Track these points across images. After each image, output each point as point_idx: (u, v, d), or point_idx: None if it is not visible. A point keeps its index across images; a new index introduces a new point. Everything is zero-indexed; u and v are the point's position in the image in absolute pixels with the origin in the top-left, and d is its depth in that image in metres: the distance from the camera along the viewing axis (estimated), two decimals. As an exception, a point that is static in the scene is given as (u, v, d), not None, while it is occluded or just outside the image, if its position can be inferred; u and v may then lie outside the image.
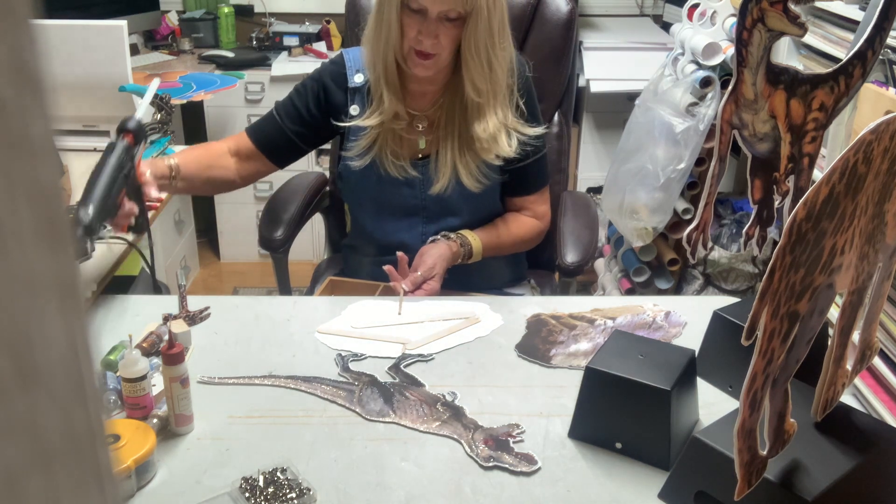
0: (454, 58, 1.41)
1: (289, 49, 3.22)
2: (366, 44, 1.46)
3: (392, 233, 1.55)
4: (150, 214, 1.73)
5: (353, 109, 1.51)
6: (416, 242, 1.53)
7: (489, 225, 1.57)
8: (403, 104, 1.46)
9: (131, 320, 1.31)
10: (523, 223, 1.60)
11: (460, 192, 1.49)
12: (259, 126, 1.57)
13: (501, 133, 1.46)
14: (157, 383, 1.10)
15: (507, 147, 1.46)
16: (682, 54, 2.30)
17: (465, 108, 1.45)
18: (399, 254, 1.43)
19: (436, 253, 1.45)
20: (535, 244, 1.65)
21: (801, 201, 0.69)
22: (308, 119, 1.53)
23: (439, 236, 1.51)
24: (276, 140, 1.54)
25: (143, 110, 1.40)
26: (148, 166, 1.32)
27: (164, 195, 1.46)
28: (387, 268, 1.42)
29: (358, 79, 1.50)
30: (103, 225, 1.20)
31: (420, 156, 1.51)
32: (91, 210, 1.12)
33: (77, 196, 1.17)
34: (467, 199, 1.51)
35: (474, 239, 1.52)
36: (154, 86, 1.54)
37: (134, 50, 3.13)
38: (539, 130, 1.52)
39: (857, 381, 1.48)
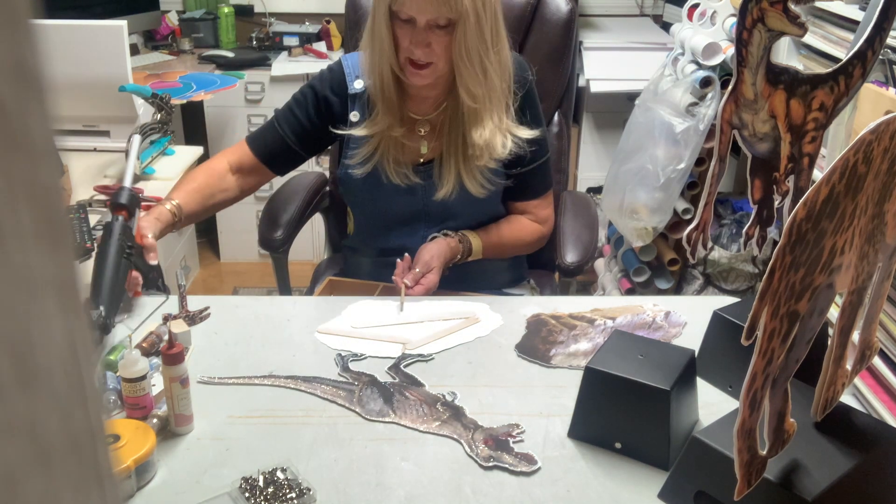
0: (452, 64, 1.41)
1: (289, 49, 3.22)
2: (363, 54, 1.46)
3: (394, 237, 1.55)
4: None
5: (354, 116, 1.50)
6: (418, 246, 1.53)
7: (491, 225, 1.57)
8: (400, 114, 1.45)
9: (129, 317, 1.31)
10: (525, 226, 1.60)
11: (464, 197, 1.49)
12: (260, 136, 1.55)
13: (496, 136, 1.45)
14: (157, 383, 1.10)
15: (501, 149, 1.45)
16: (682, 54, 2.30)
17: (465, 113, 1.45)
18: (406, 256, 1.43)
19: (433, 249, 1.45)
20: (537, 248, 1.65)
21: (801, 201, 0.69)
22: (309, 128, 1.52)
23: (439, 234, 1.51)
24: (278, 150, 1.53)
25: (130, 177, 1.41)
26: (152, 222, 1.32)
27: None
28: (399, 262, 1.42)
29: (357, 85, 1.50)
30: (117, 317, 1.24)
31: (422, 161, 1.50)
32: (103, 310, 1.17)
33: (87, 277, 1.20)
34: (470, 203, 1.51)
35: (474, 237, 1.52)
36: (135, 147, 1.62)
37: (134, 50, 3.13)
38: (533, 133, 1.49)
39: (857, 381, 1.48)
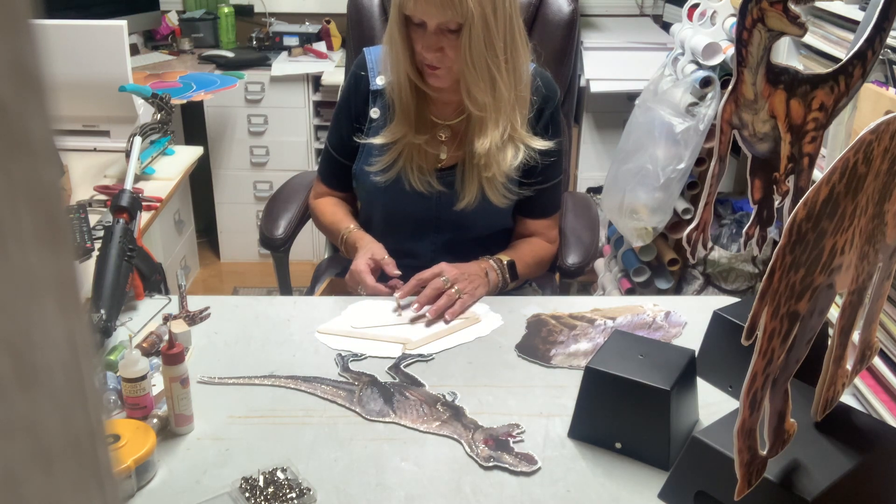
0: None
1: (289, 49, 3.22)
2: (384, 48, 1.44)
3: (402, 240, 1.54)
4: (150, 215, 1.73)
5: (374, 113, 1.49)
6: (426, 250, 1.53)
7: (519, 249, 1.55)
8: (420, 120, 1.45)
9: (131, 320, 1.31)
10: (544, 247, 1.59)
11: (482, 206, 1.47)
12: (327, 171, 1.61)
13: (507, 147, 1.43)
14: (157, 383, 1.10)
15: (512, 160, 1.43)
16: (682, 54, 2.30)
17: None
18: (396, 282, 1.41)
19: (454, 264, 1.40)
20: (547, 269, 1.65)
21: (801, 201, 0.69)
22: (354, 145, 1.53)
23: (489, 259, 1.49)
24: (343, 174, 1.58)
25: (131, 179, 1.41)
26: (377, 249, 1.44)
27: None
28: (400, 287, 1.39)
29: (380, 81, 1.49)
30: (118, 320, 1.24)
31: (440, 166, 1.49)
32: (104, 314, 1.18)
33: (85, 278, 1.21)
34: (485, 213, 1.49)
35: (511, 263, 1.50)
36: (136, 149, 1.67)
37: (134, 50, 3.13)
38: (547, 145, 1.47)
39: (857, 381, 1.48)
